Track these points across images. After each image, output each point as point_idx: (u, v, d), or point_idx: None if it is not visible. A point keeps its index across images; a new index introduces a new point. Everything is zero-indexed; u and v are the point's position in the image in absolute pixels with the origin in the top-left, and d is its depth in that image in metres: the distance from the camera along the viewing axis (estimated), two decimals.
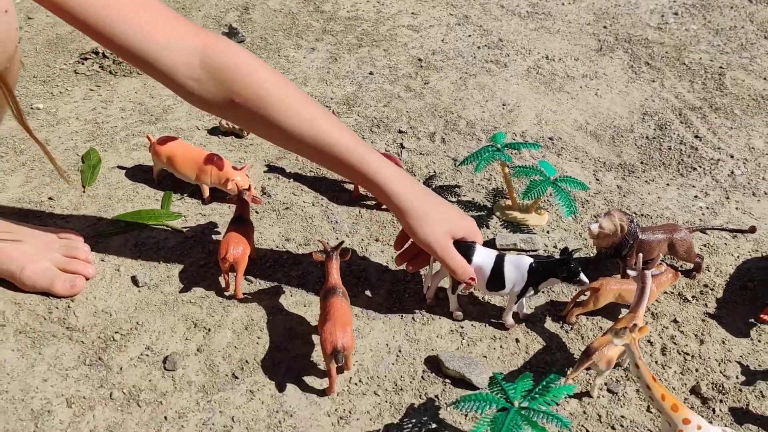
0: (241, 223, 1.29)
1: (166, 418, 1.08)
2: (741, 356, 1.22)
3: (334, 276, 1.17)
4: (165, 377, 1.15)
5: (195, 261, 1.36)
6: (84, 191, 1.53)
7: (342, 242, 1.20)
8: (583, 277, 1.16)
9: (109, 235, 1.41)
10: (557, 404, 1.10)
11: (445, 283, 1.26)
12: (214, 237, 1.42)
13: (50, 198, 1.50)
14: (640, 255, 1.13)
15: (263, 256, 1.38)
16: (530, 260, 1.18)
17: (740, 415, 1.12)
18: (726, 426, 1.10)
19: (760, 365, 1.20)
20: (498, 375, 0.98)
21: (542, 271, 1.17)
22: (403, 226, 1.17)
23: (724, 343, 1.24)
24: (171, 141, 1.49)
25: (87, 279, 1.30)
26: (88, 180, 1.55)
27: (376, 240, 1.44)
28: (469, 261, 1.17)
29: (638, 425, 1.10)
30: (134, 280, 1.31)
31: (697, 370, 1.19)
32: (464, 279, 1.16)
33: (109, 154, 1.64)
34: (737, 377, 1.18)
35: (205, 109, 1.15)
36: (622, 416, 1.11)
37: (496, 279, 1.17)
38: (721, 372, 1.19)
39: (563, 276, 1.16)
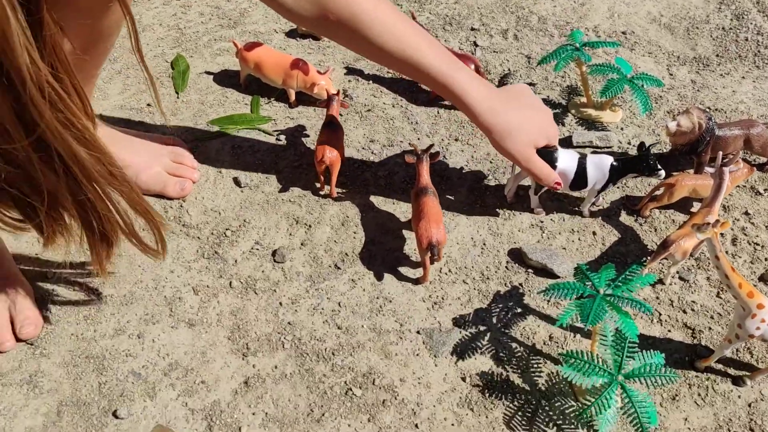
0: (333, 127, 1.38)
1: (281, 303, 1.23)
2: None
3: (425, 177, 1.26)
4: (275, 268, 1.28)
5: (289, 162, 1.47)
6: (178, 97, 1.62)
7: (432, 145, 1.28)
8: (661, 171, 1.23)
9: (207, 140, 1.52)
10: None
11: (527, 181, 1.34)
12: (304, 139, 1.52)
13: (148, 104, 1.60)
14: (720, 153, 1.18)
15: (351, 157, 1.48)
16: (611, 159, 1.25)
17: None
18: None
19: None
20: (583, 265, 1.08)
21: (623, 168, 1.24)
22: (490, 142, 1.24)
23: None
24: (257, 47, 1.55)
25: (194, 182, 1.42)
26: (180, 86, 1.64)
27: (456, 140, 1.52)
28: (553, 167, 1.24)
29: (708, 309, 1.20)
30: (236, 182, 1.43)
31: (766, 260, 1.27)
32: (550, 184, 1.24)
33: (195, 59, 1.72)
34: None
35: (303, 25, 1.20)
36: (693, 301, 1.22)
37: (579, 180, 1.25)
38: None
39: (643, 171, 1.24)
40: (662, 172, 1.24)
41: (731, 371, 1.12)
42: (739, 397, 1.10)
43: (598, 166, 1.25)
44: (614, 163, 1.24)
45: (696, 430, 1.06)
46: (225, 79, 1.67)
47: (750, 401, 1.09)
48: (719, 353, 1.09)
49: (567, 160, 1.26)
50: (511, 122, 1.22)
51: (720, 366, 1.13)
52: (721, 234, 1.31)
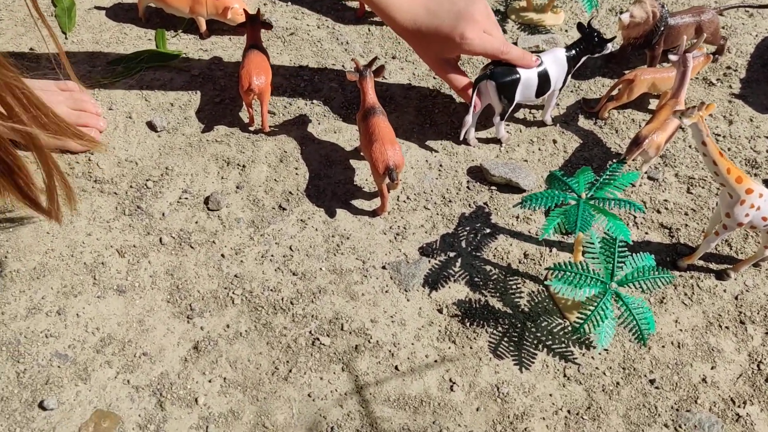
0: (257, 51, 1.20)
1: (223, 255, 1.07)
2: None
3: (371, 95, 1.12)
4: (211, 217, 1.12)
5: (209, 99, 1.29)
6: (66, 38, 1.39)
7: (375, 58, 1.13)
8: (609, 42, 1.17)
9: (110, 82, 1.31)
10: None
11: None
12: (222, 72, 1.34)
13: (31, 49, 1.37)
14: (684, 37, 1.10)
15: (279, 86, 1.31)
16: (563, 50, 1.16)
17: None
18: None
19: None
20: (557, 172, 0.98)
21: (578, 54, 1.17)
22: (416, 52, 1.16)
23: (751, 120, 1.27)
24: None
25: (100, 132, 1.22)
26: (67, 25, 1.41)
27: (393, 57, 1.38)
28: (517, 84, 1.13)
29: (681, 206, 1.14)
30: (151, 126, 1.24)
31: (729, 149, 1.22)
32: (466, 98, 1.17)
33: None
34: (767, 151, 1.22)
35: None
36: (665, 200, 1.15)
37: (543, 84, 1.15)
38: (751, 148, 1.22)
39: (595, 48, 1.17)
40: (610, 45, 1.17)
41: (713, 266, 1.07)
42: (725, 291, 1.05)
43: (555, 61, 1.15)
44: (568, 53, 1.15)
45: (687, 330, 1.00)
46: (120, 13, 1.45)
47: (736, 294, 1.04)
48: (705, 248, 1.03)
49: (527, 69, 1.14)
50: (440, 28, 1.11)
51: (701, 263, 1.07)
52: (680, 129, 1.25)
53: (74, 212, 0.97)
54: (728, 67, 1.35)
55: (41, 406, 0.90)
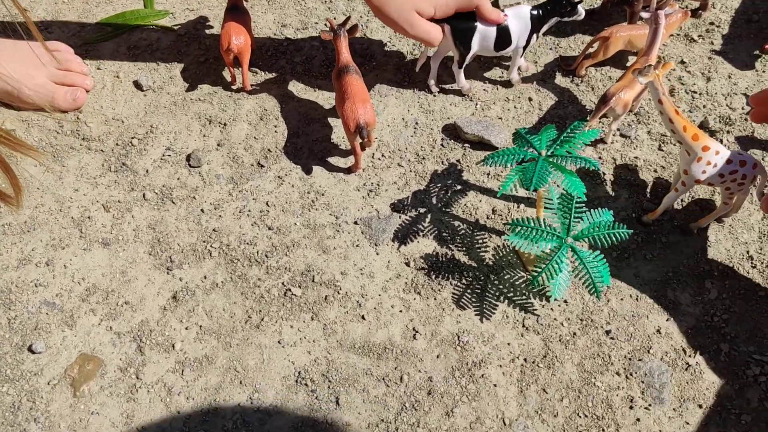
0: (238, 12, 1.23)
1: (202, 210, 1.12)
2: (746, 88, 1.25)
3: (345, 54, 1.14)
4: (192, 174, 1.17)
5: (194, 59, 1.32)
6: None
7: (349, 17, 1.15)
8: (579, 7, 1.15)
9: (98, 42, 1.35)
10: None
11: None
12: (207, 32, 1.36)
13: (26, 10, 1.40)
14: None
15: (262, 45, 1.34)
16: (529, 8, 1.16)
17: (746, 142, 1.18)
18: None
19: None
20: (522, 129, 1.01)
21: (544, 14, 1.16)
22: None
23: (730, 77, 1.27)
24: None
25: (87, 91, 1.27)
26: None
27: None
28: (473, 32, 1.14)
29: (651, 163, 1.16)
30: (137, 85, 1.28)
31: (704, 107, 1.23)
32: (435, 44, 1.16)
33: None
34: (743, 108, 1.22)
35: None
36: (636, 157, 1.17)
37: (502, 38, 1.15)
38: (727, 105, 1.23)
39: (564, 11, 1.15)
40: (581, 9, 1.16)
41: (677, 222, 1.10)
42: (687, 246, 1.07)
43: (518, 17, 1.15)
44: (533, 12, 1.15)
45: (647, 283, 1.03)
46: None
47: (697, 249, 1.07)
48: (666, 204, 1.06)
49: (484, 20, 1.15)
50: None
51: (666, 219, 1.10)
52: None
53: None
54: (711, 23, 1.35)
55: (30, 350, 0.97)
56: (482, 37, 1.15)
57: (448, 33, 1.15)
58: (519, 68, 1.25)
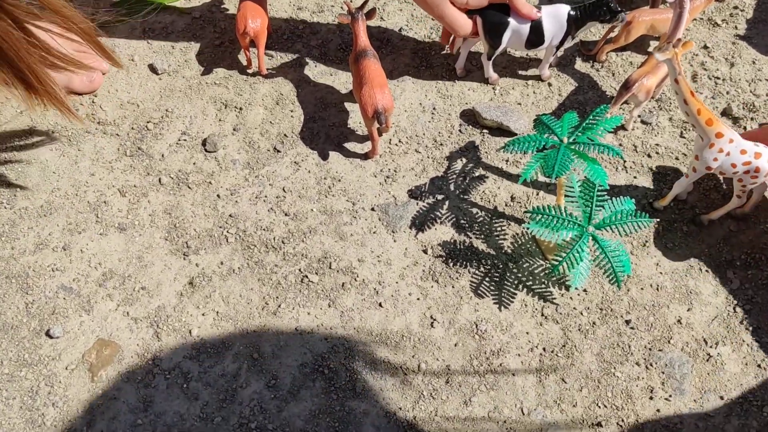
0: None
1: (219, 196, 1.12)
2: None
3: (363, 38, 1.12)
4: (208, 158, 1.16)
5: (209, 42, 1.31)
6: None
7: (367, 0, 1.13)
8: (623, 14, 1.12)
9: (113, 25, 1.34)
10: None
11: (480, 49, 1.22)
12: (222, 15, 1.35)
13: None
14: None
15: (278, 28, 1.32)
16: (567, 8, 1.12)
17: None
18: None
19: None
20: (544, 116, 0.99)
21: (582, 17, 1.12)
22: None
23: (754, 63, 1.24)
24: None
25: (103, 74, 1.26)
26: None
27: None
28: (505, 28, 1.12)
29: (672, 151, 1.14)
30: (152, 68, 1.27)
31: (728, 93, 1.21)
32: (463, 34, 1.15)
33: None
34: (767, 94, 1.20)
35: None
36: (657, 144, 1.15)
37: (535, 36, 1.13)
38: (751, 92, 1.20)
39: (603, 17, 1.12)
40: (624, 15, 1.12)
41: (698, 210, 1.08)
42: (709, 235, 1.06)
43: (555, 16, 1.12)
44: (572, 13, 1.12)
45: (667, 273, 1.02)
46: None
47: (719, 238, 1.05)
48: (677, 190, 1.04)
49: (518, 17, 1.13)
50: None
51: (687, 206, 1.08)
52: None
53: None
54: (735, 7, 1.32)
55: (48, 335, 0.97)
56: (514, 33, 1.13)
57: (480, 26, 1.13)
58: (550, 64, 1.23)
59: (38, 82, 1.04)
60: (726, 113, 1.18)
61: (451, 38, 1.24)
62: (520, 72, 1.25)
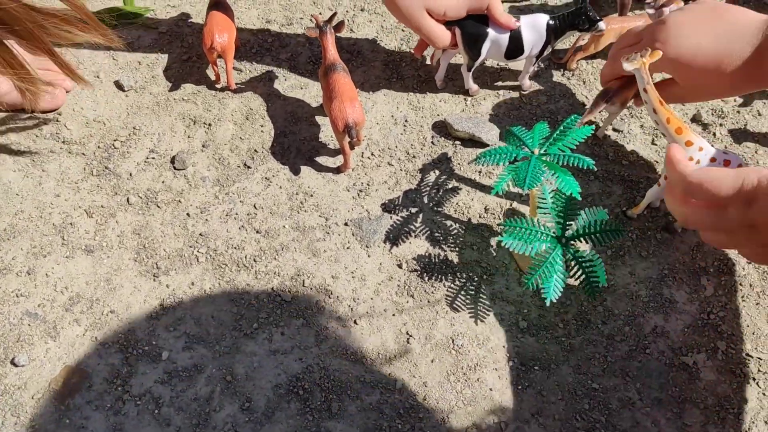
0: (221, 8, 1.20)
1: (188, 214, 1.09)
2: None
3: (332, 51, 1.11)
4: (177, 176, 1.14)
5: (177, 57, 1.29)
6: None
7: (335, 13, 1.12)
8: (602, 23, 1.12)
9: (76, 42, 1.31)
10: None
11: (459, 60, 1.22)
12: (190, 29, 1.33)
13: None
14: None
15: (246, 42, 1.31)
16: (546, 18, 1.12)
17: (739, 135, 1.17)
18: (726, 147, 1.15)
19: None
20: (513, 127, 0.98)
21: (561, 26, 1.12)
22: (384, 2, 1.11)
23: None
24: None
25: (67, 91, 1.23)
26: None
27: (362, 10, 1.36)
28: (483, 39, 1.11)
29: (644, 158, 1.14)
30: (118, 85, 1.24)
31: None
32: (441, 46, 1.13)
33: None
34: (735, 101, 1.21)
35: None
36: (630, 152, 1.15)
37: (514, 46, 1.13)
38: (722, 99, 1.21)
39: (582, 26, 1.12)
40: (602, 24, 1.12)
41: (671, 219, 1.08)
42: (682, 243, 1.06)
43: (533, 26, 1.12)
44: (550, 22, 1.12)
45: (642, 281, 1.02)
46: None
47: (692, 246, 1.05)
48: (649, 199, 1.04)
49: (497, 27, 1.12)
50: None
51: (664, 216, 1.08)
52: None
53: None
54: None
55: (13, 363, 0.95)
56: (493, 44, 1.12)
57: (459, 37, 1.12)
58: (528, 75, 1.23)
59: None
60: (696, 119, 1.19)
61: (433, 51, 1.23)
62: (491, 82, 1.24)
